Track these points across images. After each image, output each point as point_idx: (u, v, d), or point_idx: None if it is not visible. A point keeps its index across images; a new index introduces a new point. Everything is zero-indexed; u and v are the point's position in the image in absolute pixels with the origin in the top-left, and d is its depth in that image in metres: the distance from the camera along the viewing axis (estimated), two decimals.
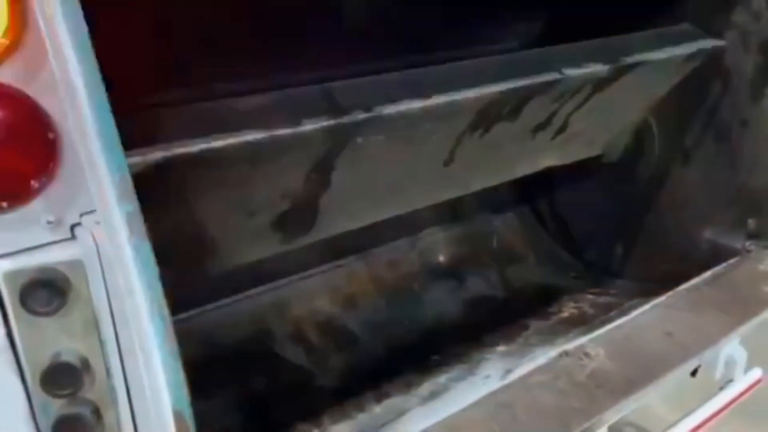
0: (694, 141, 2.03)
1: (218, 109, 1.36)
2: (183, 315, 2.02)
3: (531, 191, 2.66)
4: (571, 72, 1.71)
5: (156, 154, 1.20)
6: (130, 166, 0.89)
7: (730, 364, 1.89)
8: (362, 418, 1.78)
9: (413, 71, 1.62)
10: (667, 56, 1.87)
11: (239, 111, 1.35)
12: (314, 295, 2.24)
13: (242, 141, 1.29)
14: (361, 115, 1.43)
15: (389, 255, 2.41)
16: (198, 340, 2.03)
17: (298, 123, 1.36)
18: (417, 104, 1.49)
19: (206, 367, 1.97)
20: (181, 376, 0.90)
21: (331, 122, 1.40)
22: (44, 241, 0.97)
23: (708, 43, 1.93)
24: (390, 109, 1.46)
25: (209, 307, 2.09)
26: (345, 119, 1.41)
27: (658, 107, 2.14)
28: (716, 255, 2.02)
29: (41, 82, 0.93)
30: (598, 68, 1.77)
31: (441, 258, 2.54)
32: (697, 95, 2.01)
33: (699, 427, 1.82)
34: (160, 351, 0.89)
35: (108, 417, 1.02)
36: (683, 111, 2.07)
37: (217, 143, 1.26)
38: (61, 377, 0.96)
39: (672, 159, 2.15)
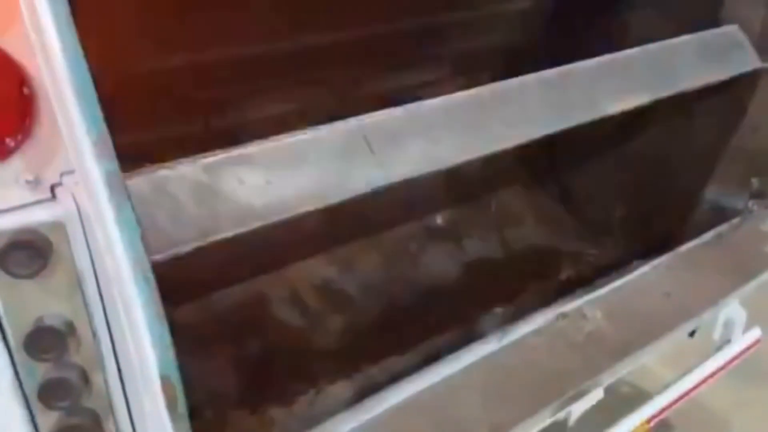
0: (698, 97, 1.97)
1: None
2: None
3: (531, 151, 2.61)
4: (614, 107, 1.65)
5: None
6: None
7: (728, 324, 1.88)
8: (359, 378, 1.78)
9: None
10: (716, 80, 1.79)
11: None
12: (311, 257, 2.22)
13: None
14: None
15: (387, 216, 2.37)
16: (195, 300, 2.02)
17: None
18: None
19: (202, 328, 1.97)
20: (167, 339, 0.88)
21: None
22: (23, 201, 0.93)
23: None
24: None
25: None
26: None
27: None
28: (718, 215, 1.99)
29: (14, 34, 0.88)
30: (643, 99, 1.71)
31: (439, 220, 2.51)
32: None
33: (696, 387, 1.82)
34: (145, 313, 0.87)
35: (96, 380, 1.00)
36: None
37: None
38: (46, 341, 0.94)
39: (674, 116, 2.09)
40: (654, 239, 2.02)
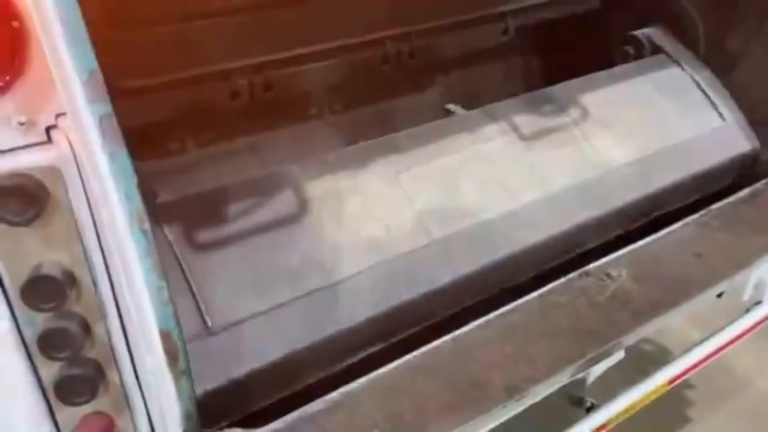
0: (743, 44, 1.84)
1: None
2: None
3: None
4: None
5: None
6: None
7: (759, 286, 1.80)
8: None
9: None
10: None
11: None
12: None
13: None
14: None
15: None
16: None
17: None
18: None
19: None
20: (166, 294, 0.84)
21: None
22: (17, 144, 0.88)
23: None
24: None
25: None
26: None
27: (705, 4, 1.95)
28: (753, 170, 1.88)
29: None
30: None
31: None
32: None
33: (722, 348, 1.76)
34: (143, 267, 0.83)
35: (98, 330, 0.97)
36: (732, 9, 1.87)
37: None
38: (44, 290, 0.91)
39: (716, 62, 1.96)
40: None
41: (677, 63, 1.96)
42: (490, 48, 2.19)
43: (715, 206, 1.68)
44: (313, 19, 1.74)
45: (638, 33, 2.05)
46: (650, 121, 1.82)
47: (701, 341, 1.74)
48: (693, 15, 1.98)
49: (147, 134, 1.53)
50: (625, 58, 2.07)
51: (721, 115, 1.89)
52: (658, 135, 1.80)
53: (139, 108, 1.50)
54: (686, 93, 1.91)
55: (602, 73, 1.91)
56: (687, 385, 2.41)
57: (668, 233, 1.58)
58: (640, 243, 1.54)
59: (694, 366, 1.72)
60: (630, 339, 1.32)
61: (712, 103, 1.90)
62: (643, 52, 2.04)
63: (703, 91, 1.91)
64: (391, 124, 1.89)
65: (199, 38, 1.60)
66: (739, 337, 1.81)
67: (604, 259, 1.48)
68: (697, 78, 1.93)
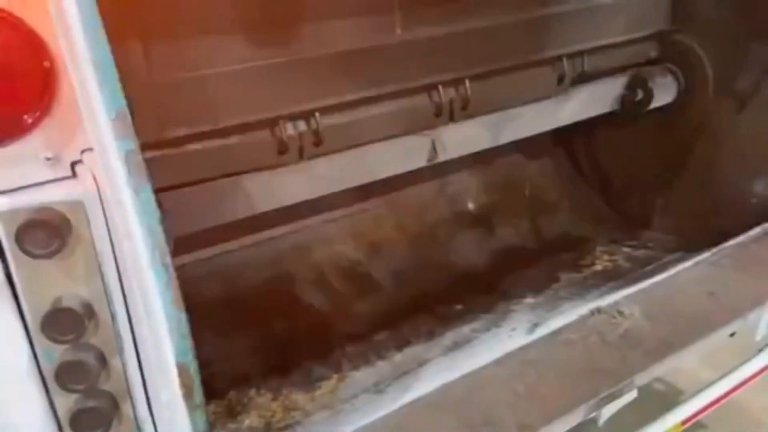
0: (753, 86, 1.86)
1: None
2: (205, 256, 1.99)
3: (568, 135, 2.53)
4: None
5: None
6: None
7: None
8: (382, 366, 1.74)
9: None
10: None
11: None
12: (338, 240, 2.18)
13: None
14: None
15: (416, 201, 2.32)
16: (220, 281, 2.00)
17: None
18: None
19: (228, 309, 1.95)
20: (185, 327, 0.85)
21: None
22: (43, 179, 0.91)
23: None
24: None
25: (232, 247, 2.05)
26: None
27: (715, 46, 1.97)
28: (766, 210, 1.89)
29: (34, 5, 0.84)
30: None
31: (470, 205, 2.44)
32: (759, 34, 1.84)
33: (735, 389, 1.74)
34: (163, 300, 0.83)
35: (114, 363, 0.98)
36: (743, 52, 1.90)
37: None
38: (64, 322, 0.92)
39: (725, 105, 1.98)
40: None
41: None
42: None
43: (726, 245, 1.68)
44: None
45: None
46: None
47: (714, 381, 1.72)
48: (703, 58, 2.01)
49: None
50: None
51: None
52: None
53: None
54: None
55: None
56: (700, 425, 2.37)
57: (680, 271, 1.58)
58: (652, 280, 1.55)
59: (708, 406, 1.70)
60: (643, 378, 1.32)
61: None
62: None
63: None
64: None
65: (246, 85, 1.49)
66: (752, 377, 1.79)
67: (616, 296, 1.48)
68: None
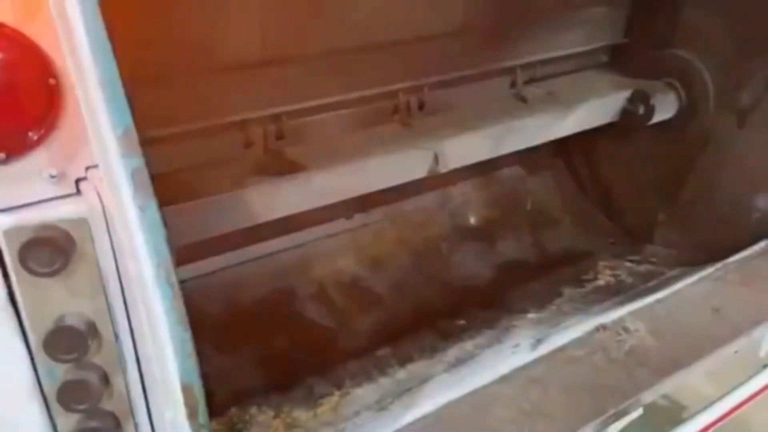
0: (754, 101, 1.86)
1: None
2: (206, 271, 1.98)
3: (569, 149, 2.53)
4: None
5: None
6: None
7: None
8: (385, 382, 1.73)
9: None
10: None
11: None
12: (339, 255, 2.17)
13: None
14: None
15: (418, 215, 2.31)
16: (221, 296, 1.99)
17: None
18: None
19: (229, 324, 1.94)
20: (190, 346, 0.84)
21: None
22: (47, 196, 0.90)
23: None
24: None
25: (233, 263, 2.04)
26: None
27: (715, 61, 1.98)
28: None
29: (40, 22, 0.84)
30: None
31: (472, 219, 2.44)
32: (760, 50, 1.84)
33: (740, 405, 1.73)
34: (168, 319, 0.83)
35: (117, 383, 0.97)
36: (744, 67, 1.90)
37: None
38: (66, 341, 0.91)
39: (726, 120, 1.99)
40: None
41: None
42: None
43: (730, 260, 1.67)
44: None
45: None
46: None
47: (719, 398, 1.71)
48: (703, 73, 2.02)
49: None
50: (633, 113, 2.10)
51: None
52: None
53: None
54: None
55: None
56: None
57: (684, 287, 1.57)
58: (657, 296, 1.54)
59: (713, 423, 1.68)
60: (650, 396, 1.31)
61: None
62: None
63: None
64: None
65: (216, 90, 1.63)
66: (757, 393, 1.78)
67: (621, 313, 1.48)
68: None
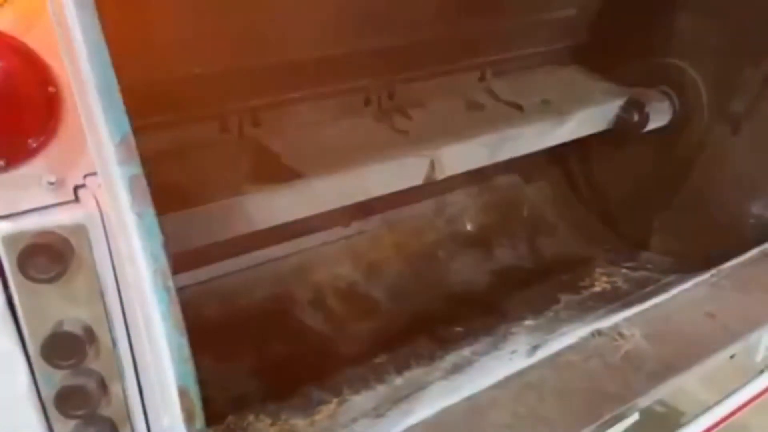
0: (747, 108, 1.88)
1: None
2: (204, 278, 1.99)
3: (565, 157, 2.54)
4: None
5: None
6: None
7: None
8: (382, 389, 1.73)
9: None
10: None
11: None
12: (336, 261, 2.18)
13: None
14: None
15: (414, 222, 2.32)
16: (219, 303, 1.99)
17: None
18: None
19: (226, 331, 1.94)
20: (186, 351, 0.84)
21: None
22: (45, 203, 0.91)
23: None
24: None
25: (230, 270, 2.04)
26: None
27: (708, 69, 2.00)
28: (764, 231, 1.90)
29: (39, 31, 0.85)
30: None
31: (468, 226, 2.45)
32: (752, 58, 1.86)
33: (736, 411, 1.73)
34: (165, 325, 0.83)
35: (114, 389, 0.97)
36: (737, 75, 1.92)
37: None
38: (64, 347, 0.91)
39: (720, 127, 2.01)
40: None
41: None
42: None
43: (725, 266, 1.68)
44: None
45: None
46: None
47: (715, 403, 1.72)
48: (697, 81, 2.03)
49: None
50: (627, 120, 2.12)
51: None
52: None
53: None
54: None
55: None
56: None
57: (679, 293, 1.58)
58: (652, 302, 1.55)
59: (710, 429, 1.69)
60: (646, 401, 1.31)
61: None
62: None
63: None
64: None
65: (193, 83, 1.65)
66: (753, 398, 1.78)
67: (617, 318, 1.48)
68: None
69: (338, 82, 1.92)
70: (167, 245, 0.83)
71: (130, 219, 0.81)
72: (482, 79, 2.22)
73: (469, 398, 1.30)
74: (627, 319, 1.48)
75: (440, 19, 1.96)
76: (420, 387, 1.58)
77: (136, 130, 0.81)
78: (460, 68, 2.18)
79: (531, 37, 2.26)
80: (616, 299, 1.86)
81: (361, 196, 1.78)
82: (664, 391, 1.34)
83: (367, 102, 2.02)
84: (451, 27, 2.01)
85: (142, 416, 0.99)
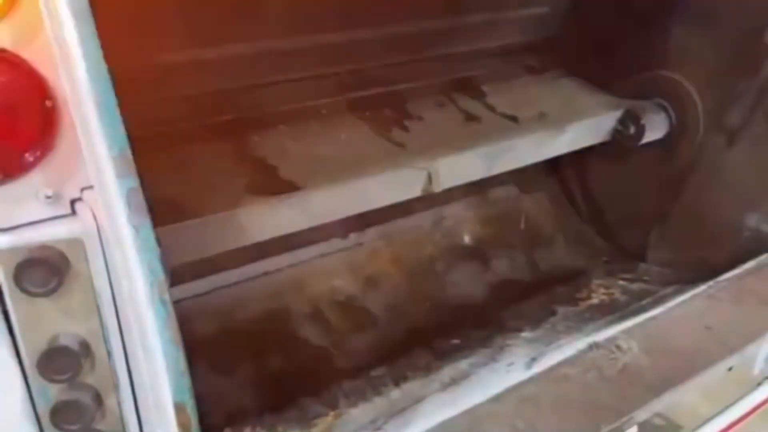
0: (743, 120, 1.89)
1: None
2: (200, 290, 1.98)
3: (562, 169, 2.55)
4: None
5: None
6: None
7: None
8: (380, 402, 1.72)
9: None
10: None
11: None
12: (334, 274, 2.17)
13: None
14: None
15: (412, 234, 2.32)
16: (215, 316, 1.99)
17: None
18: None
19: (222, 344, 1.94)
20: (183, 365, 0.84)
21: None
22: (42, 216, 0.91)
23: None
24: None
25: (227, 282, 2.04)
26: None
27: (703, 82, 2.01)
28: (760, 243, 1.90)
29: (37, 46, 0.86)
30: None
31: (466, 238, 2.45)
32: (748, 70, 1.87)
33: (735, 424, 1.73)
34: (161, 338, 0.83)
35: (109, 403, 0.97)
36: (732, 87, 1.94)
37: None
38: (60, 361, 0.91)
39: (717, 139, 2.02)
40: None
41: None
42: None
43: (722, 278, 1.68)
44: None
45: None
46: None
47: (713, 416, 1.71)
48: (692, 94, 2.05)
49: None
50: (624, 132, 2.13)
51: None
52: None
53: None
54: None
55: None
56: None
57: (676, 305, 1.58)
58: (649, 314, 1.55)
59: None
60: (643, 414, 1.31)
61: None
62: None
63: None
64: None
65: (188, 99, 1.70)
66: (751, 411, 1.78)
67: (614, 330, 1.48)
68: None
69: (340, 94, 1.94)
70: (164, 258, 0.83)
71: (126, 232, 0.81)
72: (479, 93, 2.24)
73: (467, 412, 1.29)
74: (624, 332, 1.48)
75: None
76: (417, 400, 1.57)
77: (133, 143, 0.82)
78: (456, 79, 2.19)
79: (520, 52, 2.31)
80: (613, 311, 1.86)
81: (358, 209, 1.79)
82: (663, 404, 1.34)
83: (367, 113, 2.02)
84: None
85: (137, 430, 0.99)
